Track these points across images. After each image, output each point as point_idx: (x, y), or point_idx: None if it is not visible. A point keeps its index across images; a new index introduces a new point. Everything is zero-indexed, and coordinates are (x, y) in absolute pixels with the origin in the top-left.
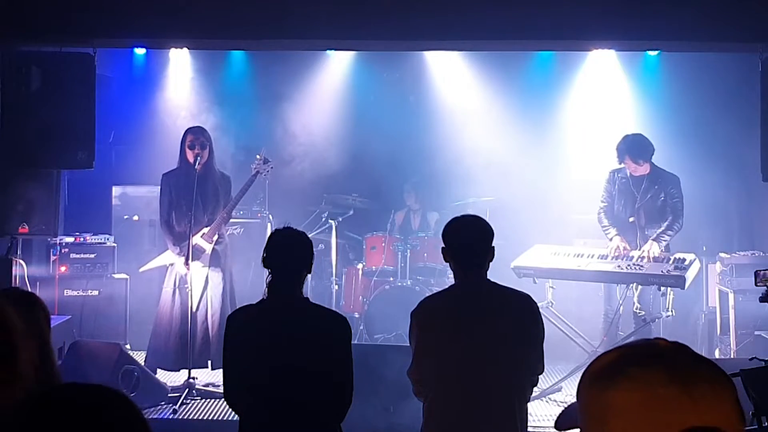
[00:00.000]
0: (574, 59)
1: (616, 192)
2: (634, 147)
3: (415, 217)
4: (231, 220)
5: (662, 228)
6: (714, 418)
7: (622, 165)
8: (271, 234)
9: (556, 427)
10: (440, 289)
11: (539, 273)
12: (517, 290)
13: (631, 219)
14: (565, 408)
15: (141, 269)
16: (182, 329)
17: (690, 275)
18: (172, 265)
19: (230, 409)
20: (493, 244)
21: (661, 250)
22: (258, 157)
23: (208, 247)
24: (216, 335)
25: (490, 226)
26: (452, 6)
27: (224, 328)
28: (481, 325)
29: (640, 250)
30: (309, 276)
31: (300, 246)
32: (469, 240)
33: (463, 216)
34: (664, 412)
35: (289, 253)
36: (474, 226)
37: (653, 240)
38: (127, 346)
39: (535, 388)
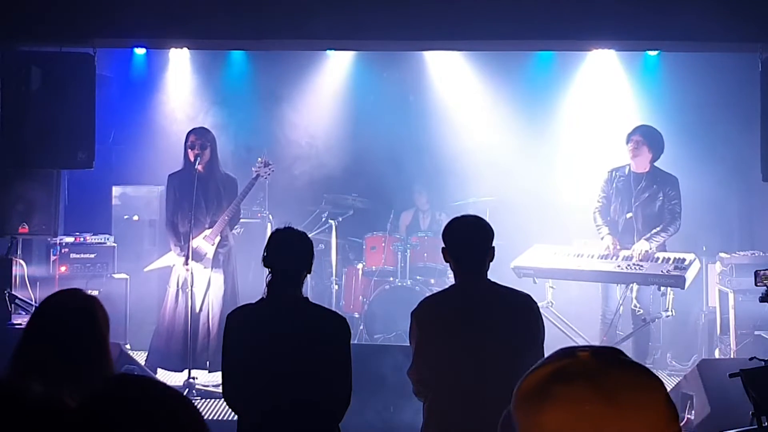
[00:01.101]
0: (574, 59)
1: (613, 191)
2: (649, 134)
3: (425, 218)
4: (240, 220)
5: (657, 229)
6: (643, 425)
7: (625, 160)
8: (272, 233)
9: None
10: (440, 289)
11: (539, 273)
12: (517, 290)
13: (628, 215)
14: (504, 415)
15: (145, 269)
16: (184, 330)
17: (690, 275)
18: (175, 265)
19: (229, 409)
20: (493, 245)
21: (652, 250)
22: (259, 159)
23: (210, 250)
24: (215, 337)
25: (491, 227)
26: (452, 6)
27: (223, 329)
28: (482, 325)
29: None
30: (309, 276)
31: (300, 246)
32: (469, 240)
33: (463, 216)
34: (594, 427)
35: (289, 253)
36: (474, 226)
37: (645, 239)
38: (127, 346)
39: None
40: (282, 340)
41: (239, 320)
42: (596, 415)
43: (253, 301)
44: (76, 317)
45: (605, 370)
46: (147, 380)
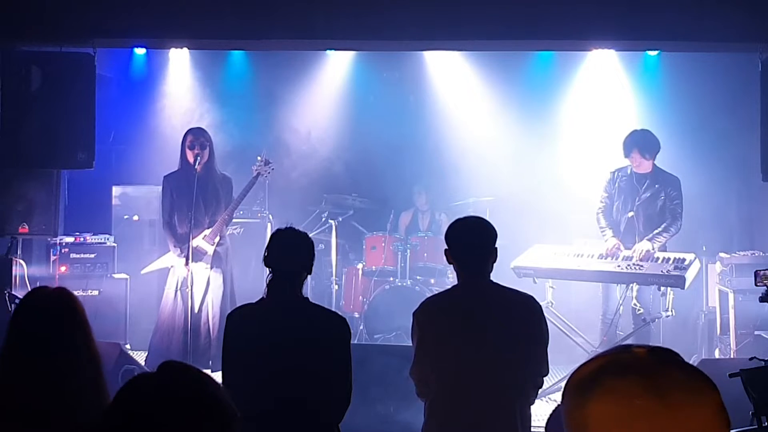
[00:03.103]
0: (574, 59)
1: (616, 191)
2: (643, 141)
3: (424, 218)
4: (232, 220)
5: (659, 229)
6: (693, 426)
7: (627, 161)
8: (273, 233)
9: (546, 429)
10: (442, 290)
11: (539, 273)
12: (520, 291)
13: (630, 213)
14: (553, 411)
15: (142, 271)
16: (184, 331)
17: (690, 275)
18: (173, 267)
19: None
20: (496, 246)
21: (654, 250)
22: (259, 158)
23: (210, 249)
24: (217, 337)
25: (493, 228)
26: (452, 6)
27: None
28: (484, 326)
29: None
30: (309, 276)
31: (301, 247)
32: (471, 241)
33: (466, 217)
34: (641, 422)
35: (290, 254)
36: (477, 227)
37: (647, 239)
38: (127, 346)
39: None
40: (282, 340)
41: (239, 320)
42: (645, 410)
43: (253, 301)
44: (49, 318)
45: (660, 368)
46: (188, 367)
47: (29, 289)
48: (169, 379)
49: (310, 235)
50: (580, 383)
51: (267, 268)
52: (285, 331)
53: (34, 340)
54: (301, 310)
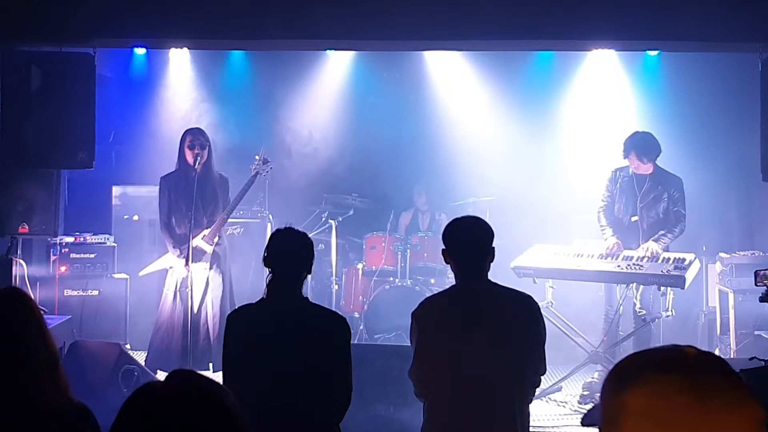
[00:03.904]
0: (574, 59)
1: (617, 191)
2: (642, 144)
3: (424, 218)
4: (231, 220)
5: (664, 231)
6: None
7: (626, 162)
8: (273, 234)
9: (582, 422)
10: (441, 290)
11: (539, 273)
12: (518, 290)
13: (634, 218)
14: (594, 404)
15: (140, 273)
16: (183, 332)
17: (690, 275)
18: (171, 268)
19: None
20: (493, 245)
21: (660, 251)
22: (257, 157)
23: (209, 249)
24: (216, 337)
25: (491, 227)
26: (452, 6)
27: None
28: (482, 326)
29: (639, 249)
30: (309, 276)
31: (301, 247)
32: (469, 241)
33: (463, 217)
34: (675, 420)
35: (289, 254)
36: (474, 227)
37: (654, 240)
38: (127, 346)
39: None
40: (282, 341)
41: (239, 321)
42: (681, 408)
43: (253, 302)
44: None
45: (705, 371)
46: (197, 375)
47: (29, 290)
48: (177, 387)
49: (310, 235)
50: (622, 372)
51: (267, 269)
52: (285, 332)
53: None
54: (301, 311)
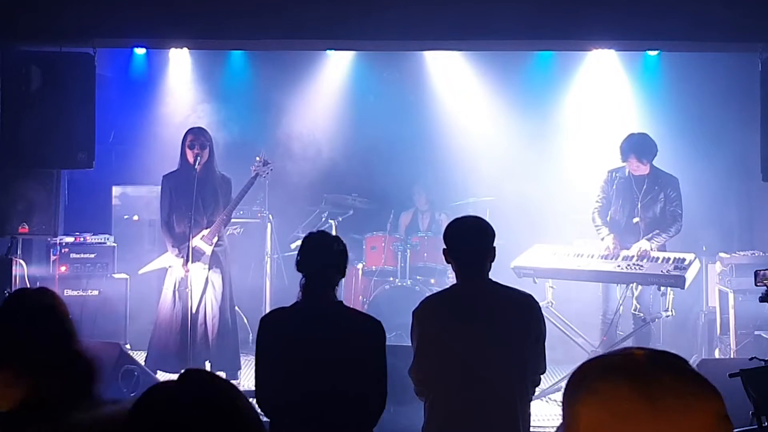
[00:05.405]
0: (574, 59)
1: (613, 192)
2: (641, 146)
3: (424, 218)
4: (231, 220)
5: (659, 230)
6: None
7: (624, 164)
8: (305, 238)
9: None
10: (441, 289)
11: (539, 273)
12: (518, 290)
13: (635, 220)
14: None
15: (140, 272)
16: (182, 331)
17: (690, 275)
18: (171, 267)
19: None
20: (494, 245)
21: (652, 249)
22: (258, 158)
23: (208, 249)
24: (215, 338)
25: (491, 227)
26: (452, 6)
27: (255, 331)
28: (483, 325)
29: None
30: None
31: (333, 250)
32: (469, 241)
33: (463, 217)
34: (628, 426)
35: (322, 257)
36: (475, 227)
37: (647, 239)
38: (127, 346)
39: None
40: (317, 344)
41: (274, 323)
42: (632, 414)
43: (287, 305)
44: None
45: (655, 372)
46: (211, 375)
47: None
48: (190, 388)
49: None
50: (572, 384)
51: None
52: (320, 335)
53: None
54: (336, 314)
